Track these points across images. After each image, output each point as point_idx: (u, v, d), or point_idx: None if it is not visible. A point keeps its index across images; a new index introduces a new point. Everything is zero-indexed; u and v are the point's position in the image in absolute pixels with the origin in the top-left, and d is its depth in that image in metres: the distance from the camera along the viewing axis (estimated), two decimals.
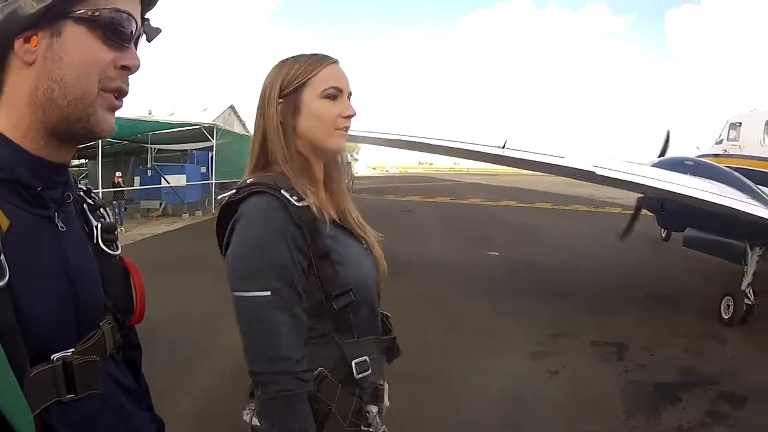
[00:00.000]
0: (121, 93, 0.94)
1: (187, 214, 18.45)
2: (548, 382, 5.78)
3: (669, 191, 7.49)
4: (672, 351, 6.50)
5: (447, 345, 6.54)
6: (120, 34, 0.90)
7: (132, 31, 0.93)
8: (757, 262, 7.55)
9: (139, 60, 0.94)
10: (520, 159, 7.72)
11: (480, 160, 9.80)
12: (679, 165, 8.70)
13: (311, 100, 1.44)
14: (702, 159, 9.83)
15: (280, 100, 1.44)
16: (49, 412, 0.87)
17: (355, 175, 52.06)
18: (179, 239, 14.18)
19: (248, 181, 1.42)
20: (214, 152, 20.05)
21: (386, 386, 1.55)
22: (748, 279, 7.48)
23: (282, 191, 1.35)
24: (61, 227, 0.96)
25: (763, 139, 9.05)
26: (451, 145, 8.22)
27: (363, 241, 1.54)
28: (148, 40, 1.01)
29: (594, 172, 7.14)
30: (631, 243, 13.08)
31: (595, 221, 18.81)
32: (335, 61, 1.47)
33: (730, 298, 7.48)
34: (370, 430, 1.43)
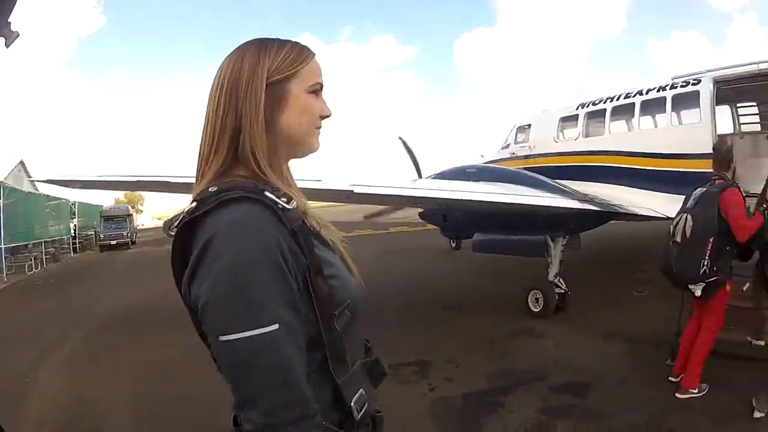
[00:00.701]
0: None
1: None
2: None
3: (441, 198, 7.03)
4: (479, 358, 5.65)
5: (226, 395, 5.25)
6: None
7: None
8: (562, 251, 7.05)
9: None
10: None
11: None
12: (460, 173, 8.33)
13: (300, 92, 1.25)
14: (486, 164, 9.65)
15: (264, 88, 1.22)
16: None
17: (140, 227, 48.33)
18: None
19: (211, 189, 1.14)
20: (1, 213, 17.81)
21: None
22: (555, 269, 6.96)
23: (266, 193, 1.13)
24: None
25: (557, 135, 9.10)
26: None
27: (335, 249, 1.30)
28: (6, 45, 1.12)
29: (352, 191, 6.54)
30: (421, 257, 12.59)
31: (382, 242, 18.24)
32: (315, 54, 1.30)
33: (537, 291, 6.90)
34: None
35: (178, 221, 1.13)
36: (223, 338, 1.03)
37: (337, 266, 1.23)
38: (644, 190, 7.23)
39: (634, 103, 7.71)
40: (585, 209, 6.56)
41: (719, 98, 6.98)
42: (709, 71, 6.92)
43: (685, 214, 4.15)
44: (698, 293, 4.05)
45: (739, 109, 8.17)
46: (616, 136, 7.96)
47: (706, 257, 3.95)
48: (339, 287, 1.19)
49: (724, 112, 7.98)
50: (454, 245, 12.97)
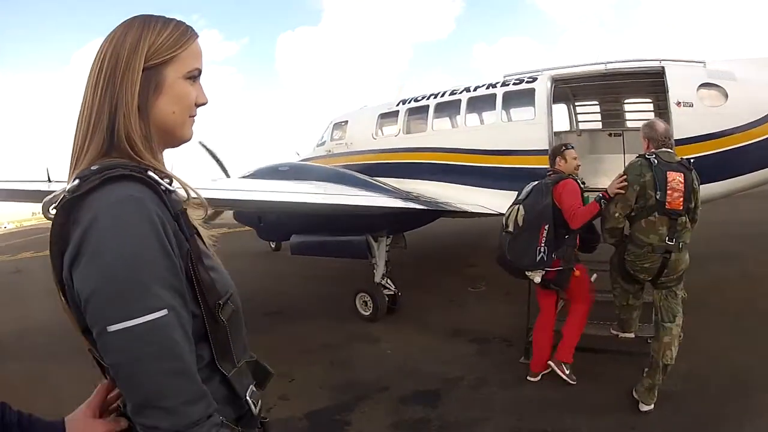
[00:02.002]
0: None
1: None
2: None
3: (250, 201, 6.30)
4: (315, 370, 5.10)
5: None
6: None
7: None
8: (387, 251, 6.81)
9: None
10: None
11: None
12: (273, 172, 7.81)
13: (176, 79, 1.17)
14: (301, 162, 9.17)
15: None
16: None
17: None
18: None
19: (93, 168, 1.07)
20: None
21: None
22: (381, 270, 6.69)
23: (149, 173, 1.09)
24: None
25: (376, 132, 8.85)
26: None
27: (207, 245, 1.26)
28: None
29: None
30: (239, 260, 11.49)
31: None
32: (198, 35, 1.23)
33: (365, 294, 6.61)
34: None
35: (58, 201, 1.04)
36: (111, 329, 0.96)
37: (213, 259, 1.20)
38: (473, 187, 7.20)
39: (460, 100, 7.66)
40: (409, 208, 6.37)
41: (557, 96, 7.15)
42: (546, 69, 7.05)
43: (518, 205, 4.23)
44: (537, 280, 4.12)
45: (577, 108, 8.56)
46: (439, 133, 7.89)
47: (542, 244, 4.03)
48: (218, 279, 1.15)
49: (561, 110, 8.37)
50: (273, 246, 12.38)
